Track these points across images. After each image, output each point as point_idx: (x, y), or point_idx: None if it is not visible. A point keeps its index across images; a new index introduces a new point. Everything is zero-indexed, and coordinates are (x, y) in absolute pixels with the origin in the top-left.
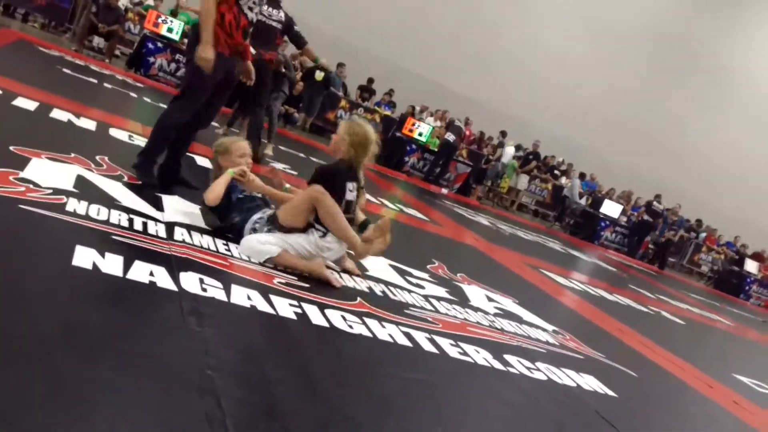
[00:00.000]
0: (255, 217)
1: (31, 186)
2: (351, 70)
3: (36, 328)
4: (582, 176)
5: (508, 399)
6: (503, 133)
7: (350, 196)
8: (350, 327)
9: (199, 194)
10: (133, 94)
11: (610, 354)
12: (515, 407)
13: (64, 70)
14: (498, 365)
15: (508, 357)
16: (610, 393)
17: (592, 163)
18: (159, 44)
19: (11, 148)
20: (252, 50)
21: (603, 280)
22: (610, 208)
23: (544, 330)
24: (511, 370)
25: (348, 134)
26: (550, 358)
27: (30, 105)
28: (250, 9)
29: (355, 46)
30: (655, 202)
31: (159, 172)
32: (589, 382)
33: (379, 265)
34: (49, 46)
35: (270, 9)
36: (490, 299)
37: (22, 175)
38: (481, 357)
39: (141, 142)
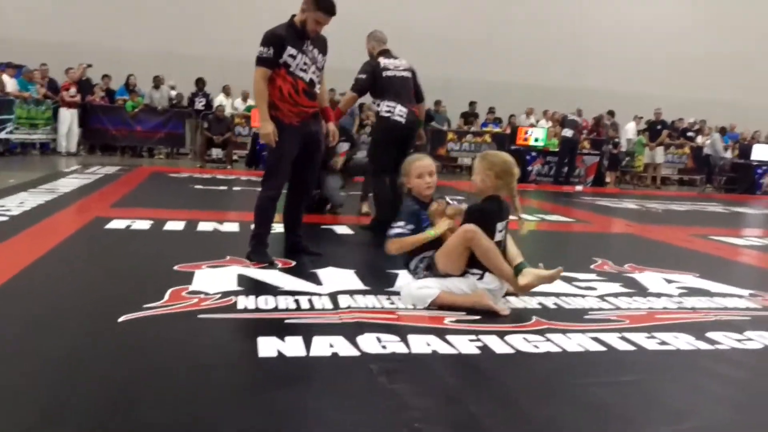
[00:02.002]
0: (416, 260)
1: (202, 296)
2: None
3: (249, 421)
4: (722, 131)
5: (728, 376)
6: (611, 113)
7: (499, 236)
8: (536, 347)
9: (330, 259)
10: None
11: None
12: (738, 383)
13: (196, 186)
14: (704, 345)
15: (711, 334)
16: None
17: (724, 113)
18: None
19: (175, 267)
20: (402, 109)
21: None
22: (762, 152)
23: (740, 297)
24: (720, 346)
25: (489, 168)
26: (757, 323)
27: (178, 226)
28: (304, 70)
29: (440, 76)
30: None
31: (286, 251)
32: None
33: None
34: (177, 170)
35: (394, 61)
36: (669, 281)
37: (191, 288)
38: (683, 342)
39: (280, 227)
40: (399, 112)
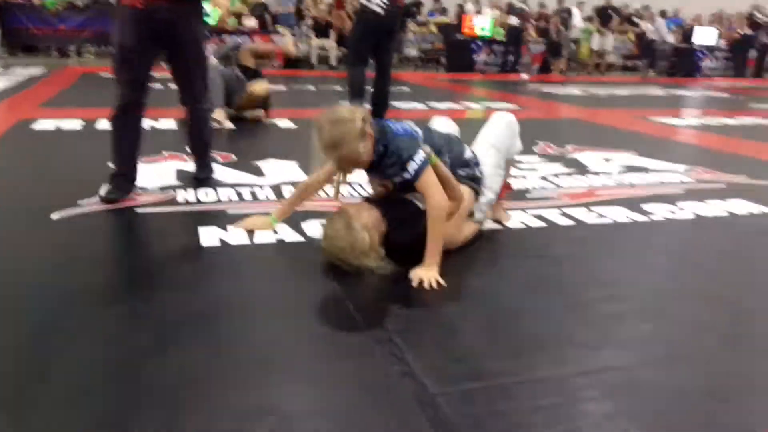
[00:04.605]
0: None
1: (139, 191)
2: None
3: (190, 306)
4: (663, 14)
5: (660, 245)
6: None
7: None
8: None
9: (271, 150)
10: None
11: (753, 174)
12: (671, 252)
13: None
14: (639, 217)
15: (646, 207)
16: (766, 209)
17: None
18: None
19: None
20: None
21: (719, 108)
22: (704, 36)
23: (675, 172)
24: (654, 218)
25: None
26: (690, 195)
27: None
28: None
29: None
30: (755, 12)
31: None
32: (740, 207)
33: None
34: (108, 69)
35: None
36: (608, 160)
37: None
38: (620, 215)
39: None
40: (377, 2)
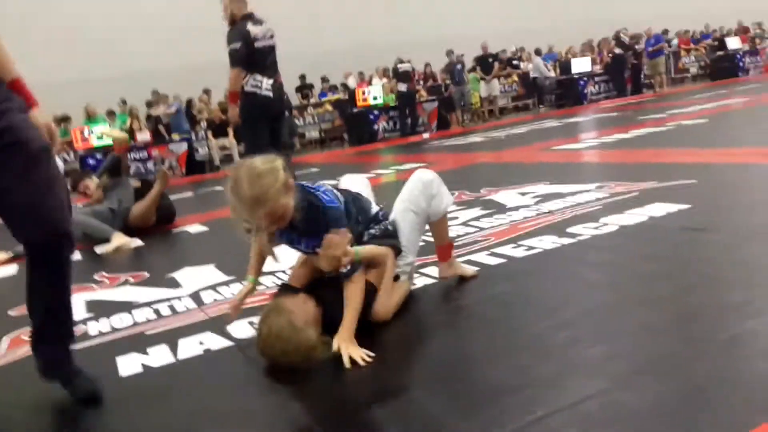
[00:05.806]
0: None
1: None
2: None
3: None
4: (538, 52)
5: (594, 262)
6: (450, 52)
7: None
8: (413, 284)
9: (185, 259)
10: None
11: (660, 177)
12: (605, 265)
13: None
14: (567, 240)
15: (571, 230)
16: (683, 206)
17: (539, 38)
18: (99, 156)
19: (10, 312)
20: (269, 82)
21: (612, 126)
22: (580, 65)
23: (588, 191)
24: (582, 238)
25: None
26: (609, 209)
27: (11, 270)
28: None
29: None
30: (621, 34)
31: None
32: (657, 210)
33: None
34: None
35: (262, 28)
36: (523, 194)
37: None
38: (548, 242)
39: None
40: (266, 86)
